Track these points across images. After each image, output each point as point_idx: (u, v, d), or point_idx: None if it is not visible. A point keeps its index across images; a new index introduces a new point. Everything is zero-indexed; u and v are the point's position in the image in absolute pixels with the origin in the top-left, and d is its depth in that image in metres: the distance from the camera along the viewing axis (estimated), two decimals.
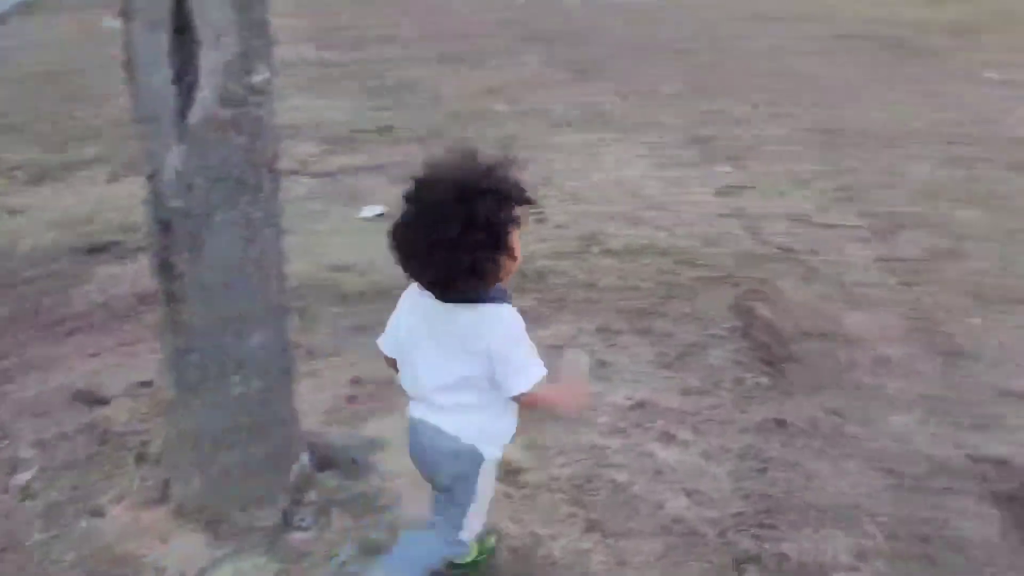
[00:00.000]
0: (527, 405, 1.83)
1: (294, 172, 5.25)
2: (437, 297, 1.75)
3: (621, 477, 2.67)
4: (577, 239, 4.42)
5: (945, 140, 6.11)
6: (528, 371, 1.76)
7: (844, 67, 8.39)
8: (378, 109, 6.82)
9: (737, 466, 2.74)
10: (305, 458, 2.54)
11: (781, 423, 2.93)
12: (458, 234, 1.61)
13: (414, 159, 5.80)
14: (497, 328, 1.74)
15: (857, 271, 4.09)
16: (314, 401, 2.92)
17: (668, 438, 2.86)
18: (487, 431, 1.86)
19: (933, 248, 4.35)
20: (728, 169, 5.54)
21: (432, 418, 1.85)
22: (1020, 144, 6.04)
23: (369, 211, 4.57)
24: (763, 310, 3.68)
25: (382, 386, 2.99)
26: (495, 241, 1.66)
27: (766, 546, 2.41)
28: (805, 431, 2.90)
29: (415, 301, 1.83)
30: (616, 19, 10.77)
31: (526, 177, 1.76)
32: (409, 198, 1.70)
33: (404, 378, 1.90)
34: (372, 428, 2.84)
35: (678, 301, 3.76)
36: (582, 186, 5.20)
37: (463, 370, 1.77)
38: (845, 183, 5.30)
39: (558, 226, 4.58)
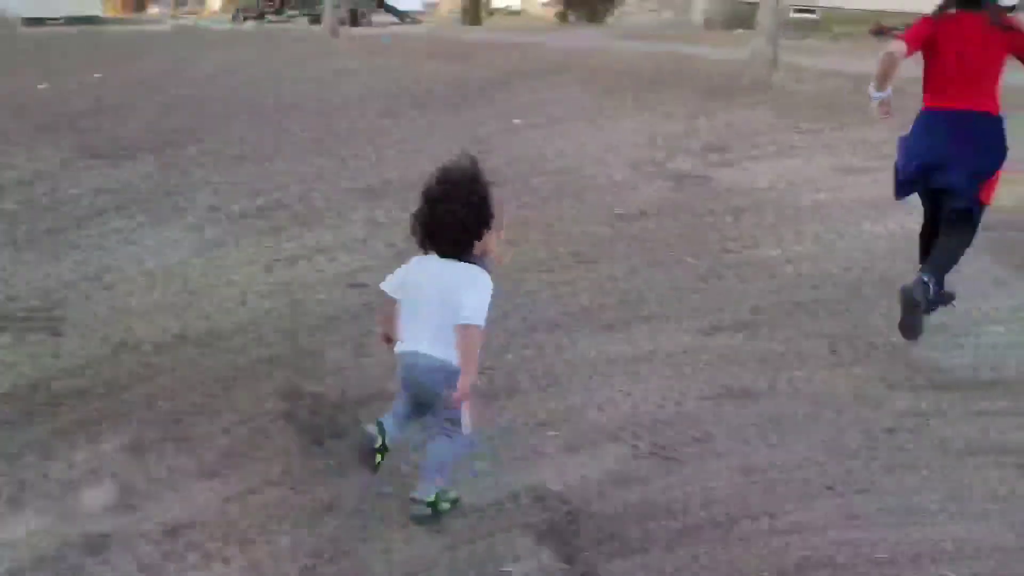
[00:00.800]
0: (463, 338, 2.54)
1: None
2: (444, 253, 2.59)
3: None
4: (104, 344, 3.91)
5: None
6: (478, 315, 2.55)
7: (399, 123, 8.74)
8: None
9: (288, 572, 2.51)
10: None
11: (330, 508, 2.75)
12: (466, 206, 2.55)
13: None
14: (475, 281, 2.58)
15: None
16: None
17: (209, 561, 2.53)
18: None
19: None
20: (277, 240, 5.36)
21: (424, 349, 2.58)
22: (542, 183, 6.66)
23: None
24: (313, 386, 3.51)
25: None
26: (485, 217, 2.60)
27: None
28: (358, 512, 2.75)
29: (423, 263, 2.65)
30: (163, 93, 10.19)
31: None
32: (437, 181, 2.58)
33: (404, 318, 2.63)
34: None
35: (221, 396, 3.45)
36: (114, 280, 4.66)
37: (448, 318, 2.54)
38: (403, 237, 5.38)
39: (82, 334, 4.02)
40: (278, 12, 24.84)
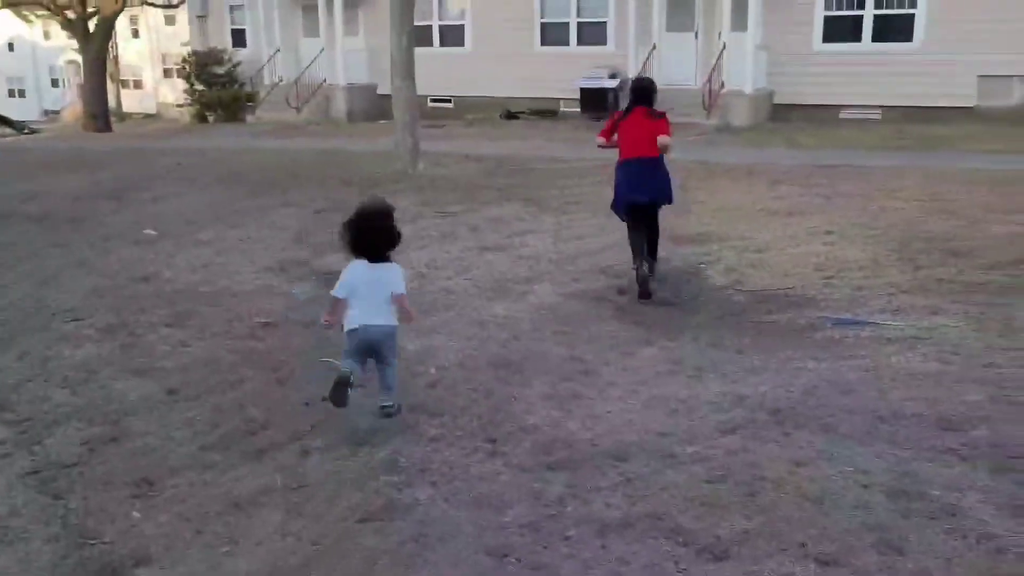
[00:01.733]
0: (401, 300, 3.92)
1: None
2: (374, 259, 3.87)
3: None
4: None
5: (104, 308, 5.82)
6: (404, 288, 3.94)
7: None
8: None
9: None
10: None
11: None
12: (389, 225, 3.88)
13: None
14: (399, 271, 3.95)
15: None
16: None
17: None
18: (394, 320, 3.94)
19: (91, 439, 3.90)
20: None
21: (374, 321, 3.86)
22: (176, 297, 6.09)
23: None
24: None
25: None
26: (397, 234, 3.92)
27: None
28: None
29: (360, 269, 3.87)
30: None
31: None
32: (364, 210, 3.91)
33: (356, 306, 3.87)
34: None
35: None
36: None
37: (385, 297, 3.88)
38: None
39: None
40: None
